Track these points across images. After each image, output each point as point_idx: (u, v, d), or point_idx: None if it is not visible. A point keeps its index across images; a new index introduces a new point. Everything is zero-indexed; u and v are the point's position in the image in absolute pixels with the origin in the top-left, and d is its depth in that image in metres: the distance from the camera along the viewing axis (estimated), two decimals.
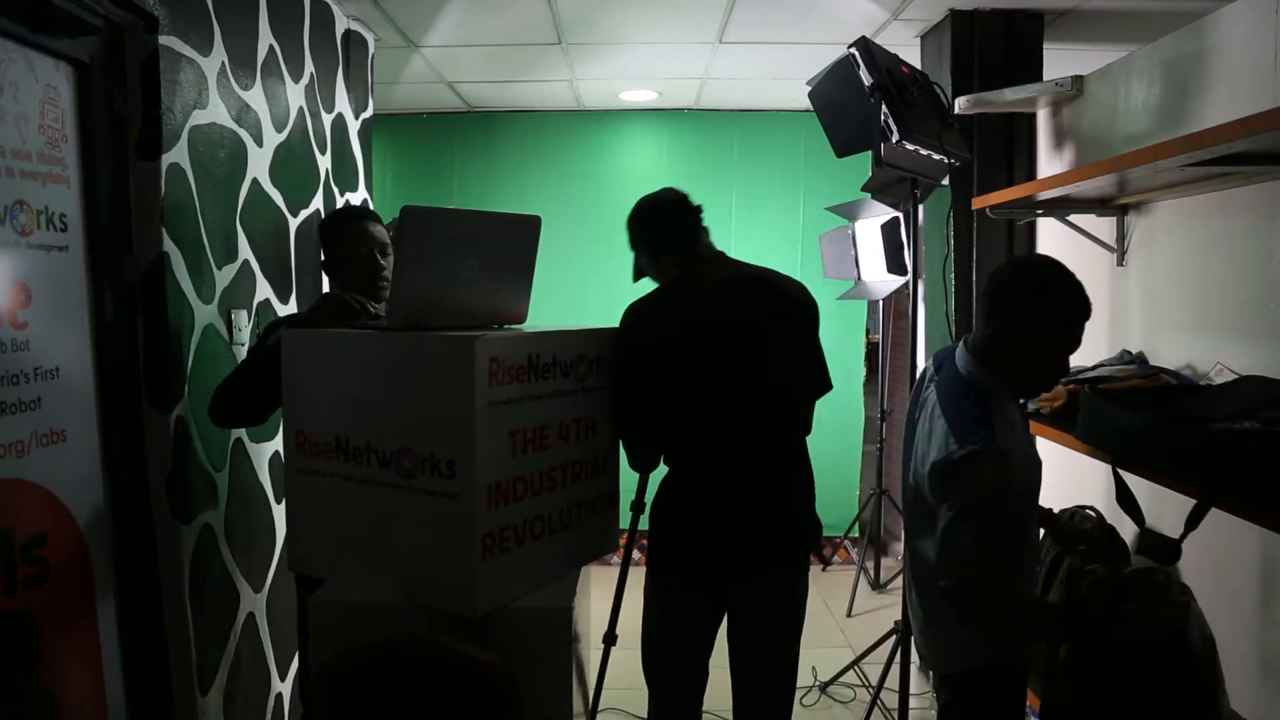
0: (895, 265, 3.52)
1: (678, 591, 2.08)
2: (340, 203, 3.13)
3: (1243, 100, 2.04)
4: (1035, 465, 1.77)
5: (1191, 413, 1.76)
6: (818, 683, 3.31)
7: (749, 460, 1.99)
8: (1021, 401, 1.89)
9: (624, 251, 2.13)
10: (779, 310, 2.01)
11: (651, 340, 1.96)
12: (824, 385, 2.11)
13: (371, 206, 3.50)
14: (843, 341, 4.74)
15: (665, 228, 2.06)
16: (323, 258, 2.24)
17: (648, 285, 2.12)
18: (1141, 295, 2.49)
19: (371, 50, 3.43)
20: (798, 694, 3.24)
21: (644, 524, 2.21)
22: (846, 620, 4.05)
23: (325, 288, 2.96)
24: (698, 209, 2.07)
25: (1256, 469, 1.47)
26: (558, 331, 1.76)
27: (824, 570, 4.78)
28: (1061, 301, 1.63)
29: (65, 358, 1.76)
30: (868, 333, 4.87)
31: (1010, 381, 1.72)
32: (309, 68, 2.83)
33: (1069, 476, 2.54)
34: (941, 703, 1.82)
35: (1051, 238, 3.00)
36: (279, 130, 2.59)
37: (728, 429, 1.97)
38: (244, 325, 2.34)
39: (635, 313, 2.02)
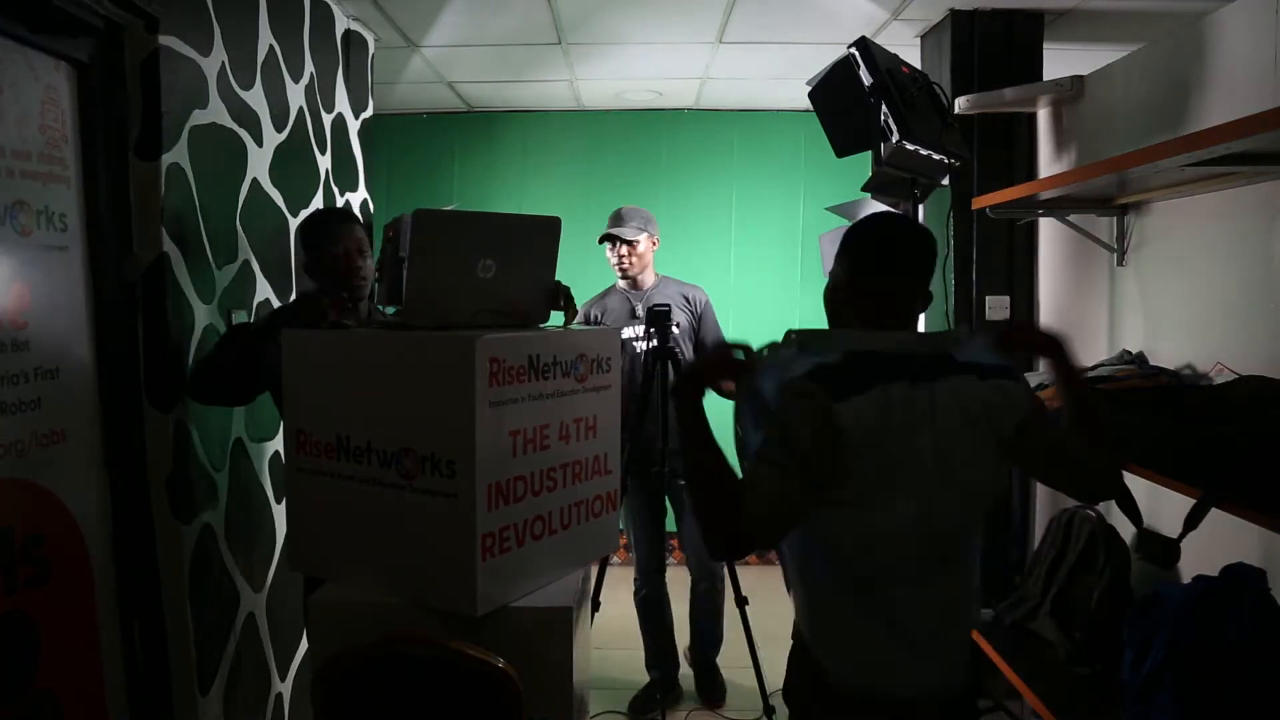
0: None
1: None
2: (340, 202, 3.13)
3: (1243, 100, 2.04)
4: None
5: (1191, 413, 1.76)
6: None
7: None
8: None
9: None
10: None
11: None
12: None
13: (372, 207, 3.50)
14: None
15: None
16: (303, 259, 2.28)
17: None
18: (1141, 295, 2.49)
19: (371, 50, 3.43)
20: None
21: None
22: None
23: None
24: None
25: (1256, 469, 1.47)
26: (558, 331, 1.76)
27: None
28: None
29: (65, 358, 1.76)
30: None
31: None
32: (309, 68, 2.83)
33: None
34: None
35: (1051, 238, 3.00)
36: (279, 130, 2.58)
37: None
38: None
39: None
